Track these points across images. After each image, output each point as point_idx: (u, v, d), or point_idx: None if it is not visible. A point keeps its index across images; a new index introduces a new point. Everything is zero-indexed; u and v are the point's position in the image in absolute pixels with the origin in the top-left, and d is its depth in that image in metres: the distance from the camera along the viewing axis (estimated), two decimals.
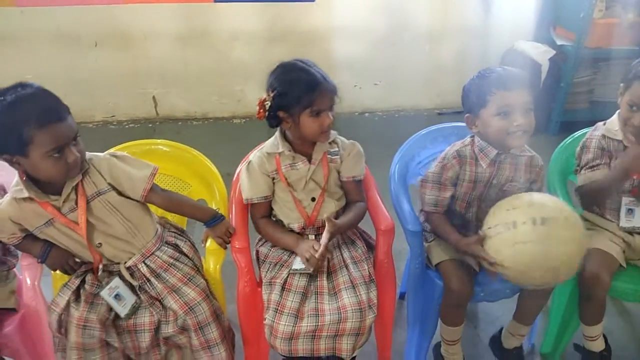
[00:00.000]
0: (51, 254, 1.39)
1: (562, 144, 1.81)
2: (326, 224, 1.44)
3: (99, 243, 1.39)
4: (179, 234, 1.57)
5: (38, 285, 1.46)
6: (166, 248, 1.48)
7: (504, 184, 1.53)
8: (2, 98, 1.19)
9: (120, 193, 1.38)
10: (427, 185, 1.57)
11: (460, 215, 1.59)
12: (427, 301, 1.63)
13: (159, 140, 1.76)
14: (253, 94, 3.74)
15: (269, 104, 1.44)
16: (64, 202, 1.32)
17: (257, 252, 1.60)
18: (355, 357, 1.60)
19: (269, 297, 1.44)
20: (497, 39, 3.64)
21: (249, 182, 1.51)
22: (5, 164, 1.39)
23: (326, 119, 1.43)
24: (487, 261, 1.38)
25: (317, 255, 1.41)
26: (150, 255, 1.44)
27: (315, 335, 1.39)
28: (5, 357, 1.45)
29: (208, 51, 3.50)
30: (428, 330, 1.67)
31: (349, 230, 1.57)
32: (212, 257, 1.54)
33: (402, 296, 1.98)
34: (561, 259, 1.31)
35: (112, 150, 1.44)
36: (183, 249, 1.52)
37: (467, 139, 1.57)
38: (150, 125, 3.62)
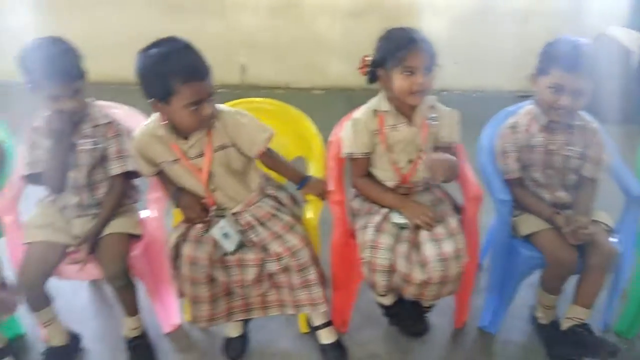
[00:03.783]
0: (181, 198, 1.57)
1: None
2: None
3: (213, 189, 1.56)
4: (279, 188, 1.71)
5: (162, 218, 1.66)
6: (268, 200, 1.63)
7: (561, 149, 1.62)
8: (158, 49, 1.37)
9: (237, 148, 1.54)
10: (497, 156, 1.70)
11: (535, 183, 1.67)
12: (509, 269, 1.70)
13: (265, 99, 1.91)
14: (335, 67, 3.86)
15: (370, 59, 1.53)
16: (190, 147, 1.49)
17: (351, 207, 1.71)
18: (433, 305, 1.71)
19: (364, 238, 1.53)
20: (588, 24, 3.54)
21: (353, 136, 1.60)
22: (133, 112, 1.61)
23: (417, 79, 1.49)
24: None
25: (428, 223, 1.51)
26: (253, 205, 1.59)
27: (407, 280, 1.48)
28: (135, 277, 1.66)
29: (296, 23, 3.64)
30: (507, 297, 1.74)
31: (446, 174, 1.53)
32: (311, 208, 1.67)
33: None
34: None
35: (236, 108, 1.59)
36: (283, 200, 1.66)
37: (526, 107, 1.70)
38: (237, 92, 3.79)
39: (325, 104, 3.80)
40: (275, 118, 1.85)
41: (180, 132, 1.49)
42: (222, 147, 1.52)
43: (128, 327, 1.70)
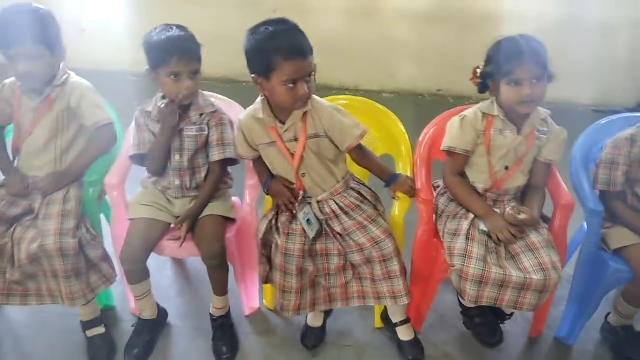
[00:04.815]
0: (272, 185, 1.65)
1: None
2: (525, 211, 1.54)
3: (303, 174, 1.62)
4: (362, 184, 1.76)
5: (255, 204, 1.74)
6: (352, 192, 1.68)
7: None
8: (266, 27, 1.46)
9: (330, 139, 1.60)
10: (600, 165, 1.65)
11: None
12: (594, 281, 1.67)
13: (353, 97, 1.98)
14: (406, 71, 3.89)
15: (481, 71, 1.56)
16: (285, 131, 1.57)
17: (435, 205, 1.73)
18: (513, 314, 1.71)
19: (453, 245, 1.55)
20: None
21: (459, 132, 1.62)
22: (235, 105, 1.69)
23: (524, 90, 1.50)
24: None
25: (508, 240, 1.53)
26: (338, 195, 1.65)
27: (503, 285, 1.46)
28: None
29: (372, 26, 3.69)
30: (588, 310, 1.72)
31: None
32: (399, 204, 1.71)
33: None
34: None
35: (332, 103, 1.66)
36: (366, 195, 1.70)
37: None
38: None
39: (394, 108, 3.84)
40: (363, 115, 1.89)
41: (278, 115, 1.58)
42: (316, 136, 1.59)
43: (215, 306, 1.78)
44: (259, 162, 1.69)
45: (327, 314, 1.83)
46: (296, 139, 1.58)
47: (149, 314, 1.77)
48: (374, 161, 1.72)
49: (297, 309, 1.61)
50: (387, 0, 3.61)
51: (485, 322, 1.75)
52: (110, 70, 3.81)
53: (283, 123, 1.58)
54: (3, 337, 1.81)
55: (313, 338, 1.78)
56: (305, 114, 1.57)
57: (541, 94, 1.53)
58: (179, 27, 1.62)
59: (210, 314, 1.80)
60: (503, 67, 1.52)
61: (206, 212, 1.70)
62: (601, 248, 1.66)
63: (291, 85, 1.46)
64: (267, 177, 1.67)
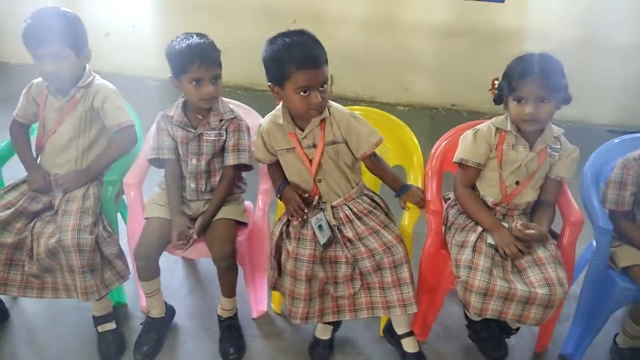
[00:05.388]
0: (284, 191, 1.68)
1: None
2: (534, 227, 1.56)
3: (319, 179, 1.66)
4: (373, 192, 1.78)
5: (267, 209, 1.78)
6: (365, 197, 1.71)
7: None
8: (283, 38, 1.52)
9: (347, 145, 1.64)
10: (609, 185, 1.66)
11: None
12: (602, 299, 1.68)
13: (368, 108, 2.01)
14: (422, 85, 3.92)
15: (498, 83, 1.60)
16: (304, 137, 1.61)
17: (445, 217, 1.76)
18: (519, 328, 1.72)
19: (460, 256, 1.57)
20: None
21: (472, 145, 1.65)
22: (251, 112, 1.74)
23: (526, 108, 1.53)
24: None
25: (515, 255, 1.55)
26: (352, 200, 1.68)
27: (507, 298, 1.48)
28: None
29: (388, 39, 3.73)
30: (595, 327, 1.72)
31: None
32: (408, 215, 1.74)
33: None
34: None
35: (351, 111, 1.69)
36: (378, 202, 1.73)
37: None
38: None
39: (409, 121, 3.86)
40: (377, 126, 1.90)
41: (297, 122, 1.62)
42: (334, 142, 1.63)
43: (223, 307, 1.82)
44: (274, 167, 1.73)
45: (335, 327, 1.84)
46: (315, 146, 1.62)
47: (157, 312, 1.81)
48: (387, 170, 1.75)
49: (305, 316, 1.62)
50: (405, 14, 3.65)
51: (490, 335, 1.76)
52: (132, 75, 3.91)
53: (302, 130, 1.62)
54: (19, 328, 1.86)
55: (320, 352, 1.79)
56: (323, 120, 1.61)
57: (545, 114, 1.54)
58: (198, 35, 1.68)
59: (218, 315, 1.84)
60: (512, 83, 1.55)
61: (219, 215, 1.74)
62: (609, 266, 1.67)
63: (303, 94, 1.51)
64: (281, 182, 1.71)
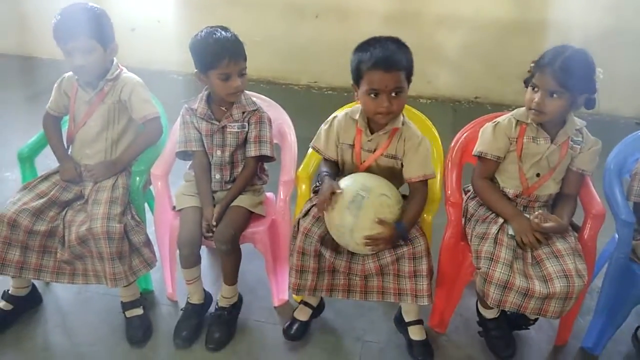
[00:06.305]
0: (325, 180, 1.63)
1: None
2: (553, 219, 1.55)
3: None
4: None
5: (288, 200, 1.81)
6: None
7: None
8: (368, 41, 1.57)
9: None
10: (635, 177, 1.65)
11: None
12: (623, 292, 1.67)
13: None
14: (445, 78, 3.90)
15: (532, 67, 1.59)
16: (369, 140, 1.65)
17: (465, 209, 1.76)
18: (537, 319, 1.72)
19: (481, 248, 1.57)
20: None
21: (491, 138, 1.65)
22: (273, 105, 1.84)
23: (535, 98, 1.54)
24: None
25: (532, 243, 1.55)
26: None
27: (527, 294, 1.48)
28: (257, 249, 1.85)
29: (410, 32, 3.65)
30: (616, 320, 1.71)
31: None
32: (428, 210, 1.74)
33: None
34: None
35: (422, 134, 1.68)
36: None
37: None
38: (345, 94, 3.96)
39: (431, 113, 3.85)
40: None
41: (371, 124, 1.65)
42: (393, 157, 1.65)
43: (223, 294, 1.83)
44: (330, 162, 1.73)
45: (315, 313, 1.84)
46: (374, 151, 1.65)
47: (197, 298, 1.84)
48: (414, 206, 1.64)
49: (313, 288, 1.64)
50: (428, 6, 3.64)
51: (501, 335, 1.75)
52: (157, 69, 3.99)
53: (372, 133, 1.64)
54: (51, 313, 1.94)
55: (294, 331, 1.80)
56: (394, 131, 1.63)
57: (551, 109, 1.53)
58: (222, 28, 1.71)
59: (216, 302, 1.86)
60: (534, 69, 1.56)
61: (234, 202, 1.78)
62: (631, 259, 1.65)
63: (373, 96, 1.54)
64: (329, 175, 1.66)
